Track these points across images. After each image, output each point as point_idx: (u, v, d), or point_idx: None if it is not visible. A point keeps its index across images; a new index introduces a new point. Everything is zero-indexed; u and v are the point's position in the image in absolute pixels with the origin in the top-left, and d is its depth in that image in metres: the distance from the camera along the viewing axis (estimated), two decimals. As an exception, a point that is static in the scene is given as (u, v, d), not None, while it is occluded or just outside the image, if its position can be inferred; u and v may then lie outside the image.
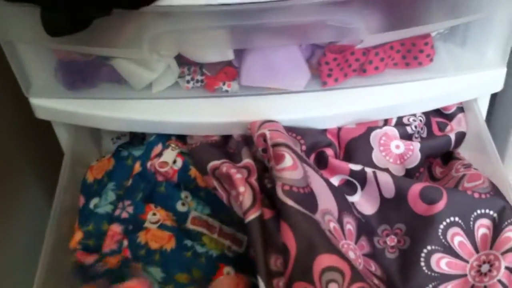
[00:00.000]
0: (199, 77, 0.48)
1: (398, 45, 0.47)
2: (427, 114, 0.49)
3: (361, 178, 0.43)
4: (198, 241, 0.47)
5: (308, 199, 0.39)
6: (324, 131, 0.47)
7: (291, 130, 0.46)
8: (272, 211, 0.40)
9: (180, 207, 0.48)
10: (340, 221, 0.41)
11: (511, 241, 0.39)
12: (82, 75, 0.49)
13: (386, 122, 0.48)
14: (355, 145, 0.46)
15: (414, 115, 0.48)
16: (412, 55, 0.47)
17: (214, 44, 0.43)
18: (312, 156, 0.46)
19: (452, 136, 0.48)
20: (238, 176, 0.42)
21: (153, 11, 0.40)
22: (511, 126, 0.54)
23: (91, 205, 0.49)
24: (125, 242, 0.46)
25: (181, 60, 0.47)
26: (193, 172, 0.48)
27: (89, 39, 0.42)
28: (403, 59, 0.47)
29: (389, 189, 0.42)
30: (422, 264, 0.40)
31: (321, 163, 0.46)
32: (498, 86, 0.48)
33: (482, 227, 0.40)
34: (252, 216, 0.40)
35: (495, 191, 0.42)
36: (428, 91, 0.48)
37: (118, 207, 0.48)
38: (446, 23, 0.44)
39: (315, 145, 0.45)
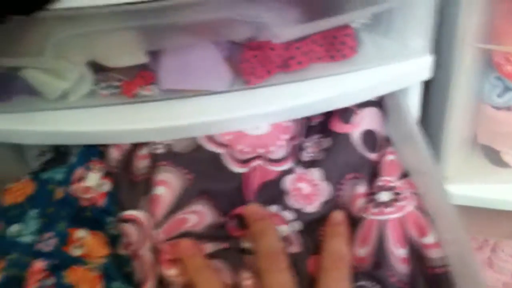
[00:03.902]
0: (115, 83, 0.46)
1: (320, 38, 0.45)
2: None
3: None
4: (129, 267, 0.44)
5: None
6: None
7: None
8: None
9: (109, 232, 0.46)
10: None
11: None
12: (-6, 89, 0.46)
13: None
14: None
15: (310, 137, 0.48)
16: (335, 47, 0.45)
17: (124, 47, 0.41)
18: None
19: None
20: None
21: (52, 15, 0.37)
22: (444, 118, 0.53)
23: (11, 232, 0.45)
24: (50, 281, 0.43)
25: (96, 66, 0.45)
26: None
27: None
28: (326, 52, 0.46)
29: None
30: None
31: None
32: (425, 75, 0.47)
33: None
34: None
35: None
36: (355, 83, 0.46)
37: (41, 240, 0.44)
38: (363, 11, 0.43)
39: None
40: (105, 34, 0.41)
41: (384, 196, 0.44)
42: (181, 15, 0.39)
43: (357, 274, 0.41)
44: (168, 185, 0.44)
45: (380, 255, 0.41)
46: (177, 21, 0.39)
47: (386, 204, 0.43)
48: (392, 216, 0.43)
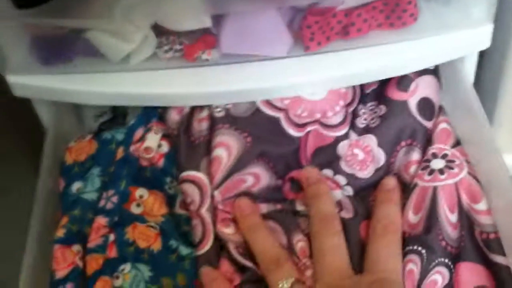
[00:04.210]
0: (177, 47, 0.46)
1: (381, 5, 0.45)
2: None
3: None
4: (187, 225, 0.46)
5: None
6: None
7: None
8: None
9: (167, 192, 0.48)
10: None
11: None
12: (56, 50, 0.47)
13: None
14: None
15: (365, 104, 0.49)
16: (396, 15, 0.45)
17: (190, 10, 0.42)
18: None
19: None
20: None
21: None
22: (498, 88, 0.53)
23: (74, 189, 0.47)
24: (111, 237, 0.44)
25: (159, 29, 0.46)
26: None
27: (59, 11, 0.41)
28: (387, 19, 0.46)
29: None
30: None
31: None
32: (485, 44, 0.47)
33: None
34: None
35: None
36: (413, 51, 0.46)
37: (103, 197, 0.46)
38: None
39: None
40: (172, -2, 0.41)
41: (437, 164, 0.45)
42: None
43: (408, 239, 0.42)
44: (227, 147, 0.46)
45: (431, 220, 0.42)
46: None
47: (439, 171, 0.44)
48: (445, 183, 0.44)
